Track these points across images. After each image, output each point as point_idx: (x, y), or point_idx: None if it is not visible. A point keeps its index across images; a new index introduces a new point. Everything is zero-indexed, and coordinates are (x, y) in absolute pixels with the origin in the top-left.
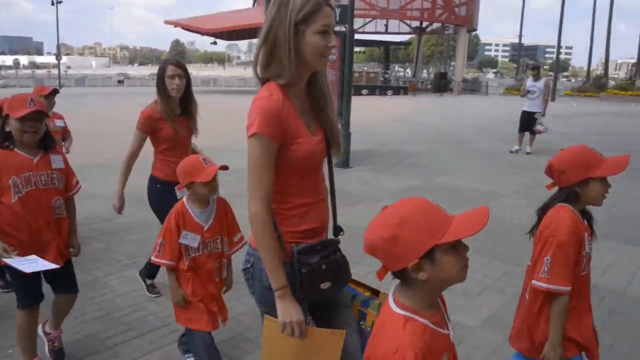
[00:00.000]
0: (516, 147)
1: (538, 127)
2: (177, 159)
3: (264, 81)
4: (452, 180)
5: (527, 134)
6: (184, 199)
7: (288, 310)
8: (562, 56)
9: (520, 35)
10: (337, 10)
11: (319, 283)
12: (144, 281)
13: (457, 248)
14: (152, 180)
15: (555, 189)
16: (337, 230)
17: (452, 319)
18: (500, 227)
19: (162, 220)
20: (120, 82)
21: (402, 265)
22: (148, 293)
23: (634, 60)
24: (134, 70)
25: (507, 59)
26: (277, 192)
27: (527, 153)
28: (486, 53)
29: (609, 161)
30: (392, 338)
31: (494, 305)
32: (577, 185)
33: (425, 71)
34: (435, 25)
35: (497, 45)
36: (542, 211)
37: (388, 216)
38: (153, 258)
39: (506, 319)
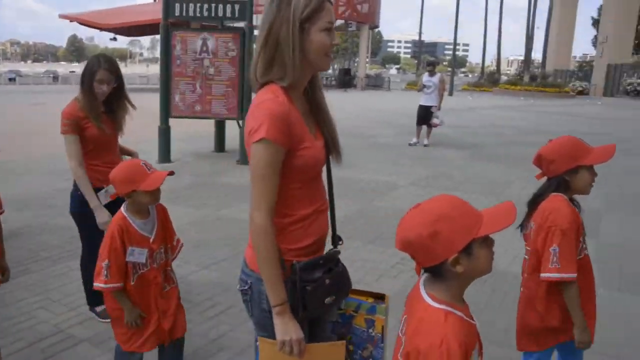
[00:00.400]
0: (414, 140)
1: (434, 121)
2: (101, 162)
3: (262, 84)
4: (354, 174)
5: (424, 127)
6: (123, 210)
7: (287, 327)
8: (460, 53)
9: (420, 33)
10: (236, 6)
11: (323, 299)
12: (95, 312)
13: (487, 241)
14: (75, 185)
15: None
16: (337, 240)
17: None
18: (397, 216)
19: (82, 227)
20: (11, 80)
21: (439, 260)
22: (101, 319)
23: (522, 57)
24: (27, 67)
25: (409, 56)
26: (277, 203)
27: (425, 145)
28: (389, 49)
29: (597, 150)
30: (435, 331)
31: (389, 292)
32: (566, 174)
33: (330, 68)
34: (339, 22)
35: (399, 42)
36: (533, 203)
37: (424, 214)
38: (100, 285)
39: (398, 304)
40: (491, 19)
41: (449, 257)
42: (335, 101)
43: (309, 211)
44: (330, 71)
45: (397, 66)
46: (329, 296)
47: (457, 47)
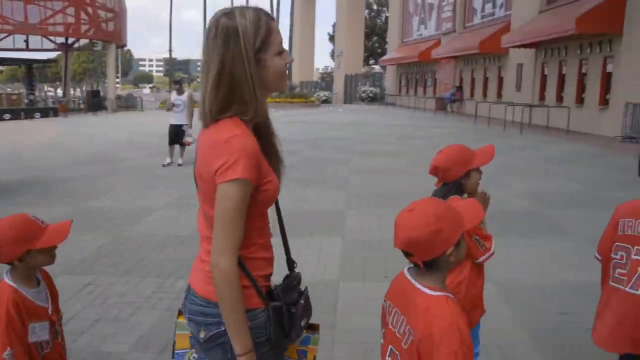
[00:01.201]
0: (168, 161)
1: (187, 139)
2: None
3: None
4: (103, 202)
5: (177, 147)
6: (8, 280)
7: None
8: None
9: (170, 50)
10: None
11: (299, 321)
12: None
13: (465, 234)
14: None
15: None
16: (292, 263)
17: (104, 350)
18: (151, 241)
19: None
20: None
21: (439, 253)
22: None
23: None
24: None
25: (162, 74)
26: (243, 236)
27: (179, 165)
28: (141, 68)
29: (479, 152)
30: (442, 315)
31: (146, 324)
32: (462, 177)
33: (78, 90)
34: (83, 41)
35: (151, 60)
36: None
37: (425, 215)
38: None
39: (161, 335)
40: None
41: (447, 249)
42: (85, 126)
43: (267, 239)
44: (79, 93)
45: (151, 85)
46: (303, 319)
47: None
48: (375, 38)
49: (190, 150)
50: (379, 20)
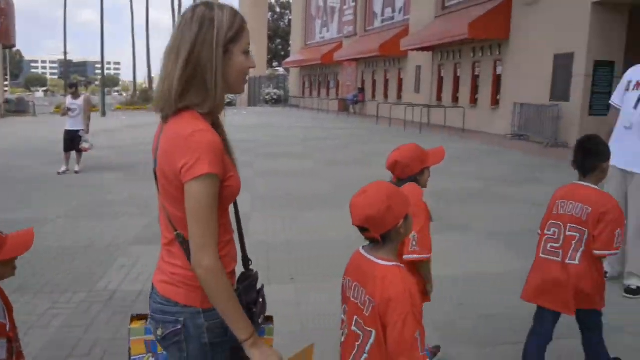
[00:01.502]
0: (63, 168)
1: (83, 145)
2: None
3: (177, 110)
4: None
5: (74, 153)
6: None
7: (267, 354)
8: (112, 71)
9: (65, 52)
10: None
11: (258, 319)
12: None
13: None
14: None
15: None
16: (248, 261)
17: None
18: (46, 255)
19: None
20: None
21: (390, 227)
22: None
23: None
24: None
25: (56, 77)
26: None
27: (76, 172)
28: (33, 70)
29: (432, 152)
30: (397, 282)
31: (39, 344)
32: (417, 174)
33: None
34: None
35: (44, 62)
36: None
37: (377, 195)
38: None
39: (54, 355)
40: (142, 37)
41: (398, 223)
42: None
43: (231, 235)
44: None
45: (45, 88)
46: (261, 316)
47: (109, 65)
48: (278, 41)
49: (87, 156)
50: (282, 23)
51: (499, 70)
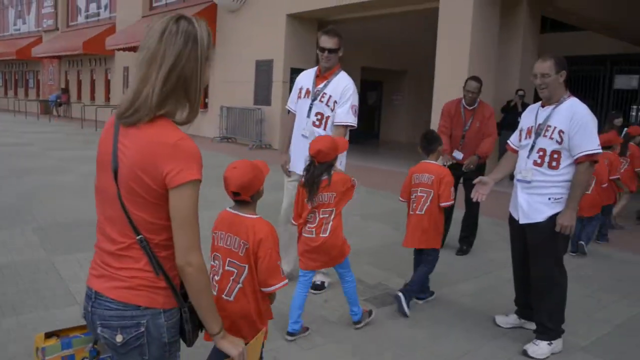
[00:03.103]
0: None
1: None
2: None
3: (152, 117)
4: None
5: None
6: None
7: (234, 342)
8: None
9: None
10: None
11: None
12: None
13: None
14: None
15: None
16: None
17: None
18: None
19: None
20: None
21: (255, 190)
22: None
23: None
24: None
25: None
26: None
27: None
28: None
29: (341, 142)
30: (264, 228)
31: None
32: (333, 159)
33: None
34: None
35: None
36: (317, 182)
37: (245, 167)
38: None
39: None
40: None
41: (260, 188)
42: None
43: None
44: None
45: None
46: None
47: None
48: None
49: None
50: None
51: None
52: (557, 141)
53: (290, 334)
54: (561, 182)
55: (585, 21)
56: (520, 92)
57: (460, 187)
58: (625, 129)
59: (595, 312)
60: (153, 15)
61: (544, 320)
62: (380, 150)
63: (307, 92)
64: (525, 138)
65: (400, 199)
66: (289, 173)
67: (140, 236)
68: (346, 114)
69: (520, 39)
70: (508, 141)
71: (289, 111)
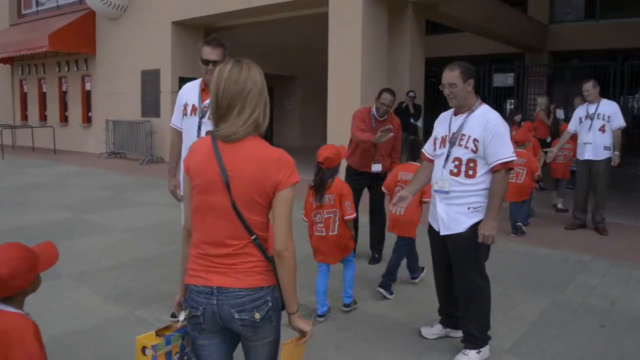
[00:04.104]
0: None
1: None
2: None
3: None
4: None
5: None
6: (20, 312)
7: (307, 322)
8: None
9: None
10: None
11: None
12: None
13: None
14: None
15: None
16: None
17: None
18: None
19: None
20: None
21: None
22: None
23: None
24: None
25: None
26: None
27: None
28: None
29: (342, 149)
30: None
31: None
32: (338, 165)
33: None
34: None
35: None
36: (324, 184)
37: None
38: None
39: None
40: None
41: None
42: None
43: None
44: None
45: None
46: None
47: None
48: None
49: None
50: None
51: (88, 86)
52: (472, 150)
53: (320, 315)
54: (479, 190)
55: (464, 24)
56: (411, 94)
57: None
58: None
59: (510, 310)
60: (22, 24)
61: (471, 329)
62: None
63: (194, 109)
64: (440, 147)
65: (384, 190)
66: (179, 198)
67: (254, 236)
68: None
69: (408, 43)
70: (422, 150)
71: (173, 129)
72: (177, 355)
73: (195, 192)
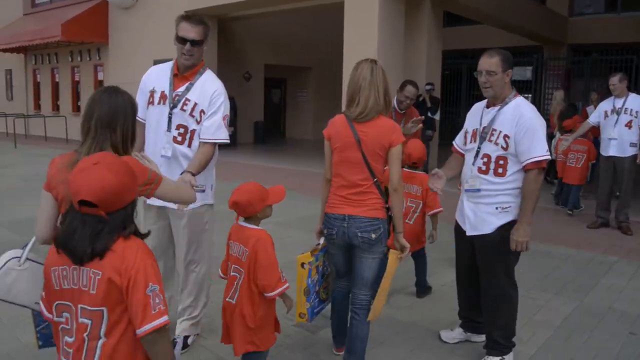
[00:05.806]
0: None
1: None
2: None
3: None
4: None
5: None
6: (260, 228)
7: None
8: None
9: None
10: None
11: None
12: None
13: None
14: None
15: None
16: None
17: None
18: None
19: None
20: None
21: (258, 211)
22: None
23: None
24: None
25: None
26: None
27: None
28: None
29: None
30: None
31: None
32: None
33: None
34: None
35: None
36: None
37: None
38: None
39: None
40: None
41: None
42: None
43: None
44: None
45: None
46: None
47: None
48: None
49: None
50: None
51: (100, 76)
52: (502, 147)
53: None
54: (509, 189)
55: (482, 16)
56: (429, 86)
57: None
58: None
59: (534, 313)
60: (36, 14)
61: (495, 336)
62: (287, 149)
63: (163, 96)
64: (471, 142)
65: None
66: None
67: (375, 179)
68: (217, 129)
69: (425, 34)
70: (453, 142)
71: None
72: (322, 267)
73: (336, 151)
